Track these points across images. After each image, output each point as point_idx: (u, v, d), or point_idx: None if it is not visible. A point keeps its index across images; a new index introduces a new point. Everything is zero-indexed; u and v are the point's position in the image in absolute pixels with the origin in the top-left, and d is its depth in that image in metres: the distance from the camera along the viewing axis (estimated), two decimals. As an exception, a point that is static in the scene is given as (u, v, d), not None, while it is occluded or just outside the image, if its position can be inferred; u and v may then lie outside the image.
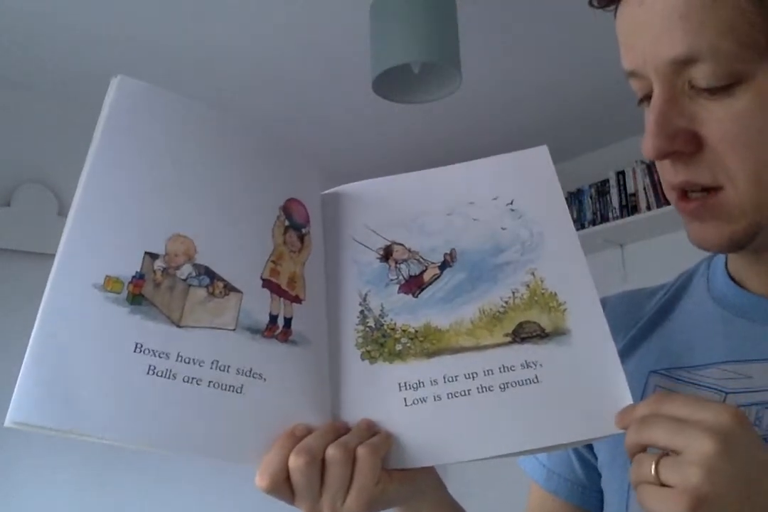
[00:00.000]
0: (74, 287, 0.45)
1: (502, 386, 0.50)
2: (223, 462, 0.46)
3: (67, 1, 2.05)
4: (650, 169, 2.73)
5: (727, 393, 0.52)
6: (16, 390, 0.40)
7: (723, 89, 0.46)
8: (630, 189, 2.80)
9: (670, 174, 0.50)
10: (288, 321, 0.52)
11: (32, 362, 0.42)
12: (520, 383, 0.50)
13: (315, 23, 2.18)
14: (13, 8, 2.07)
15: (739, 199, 0.48)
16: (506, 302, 0.53)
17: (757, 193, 0.47)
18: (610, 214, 2.83)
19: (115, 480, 2.40)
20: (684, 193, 0.50)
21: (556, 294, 0.53)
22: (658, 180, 2.88)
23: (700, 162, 0.48)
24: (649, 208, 2.68)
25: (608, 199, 2.87)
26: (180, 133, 0.53)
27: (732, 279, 0.58)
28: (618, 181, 2.84)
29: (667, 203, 2.61)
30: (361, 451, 0.46)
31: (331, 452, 0.46)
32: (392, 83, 1.86)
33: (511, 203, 0.57)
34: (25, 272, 2.38)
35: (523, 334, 0.52)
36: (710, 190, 0.49)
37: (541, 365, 0.50)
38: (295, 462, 0.45)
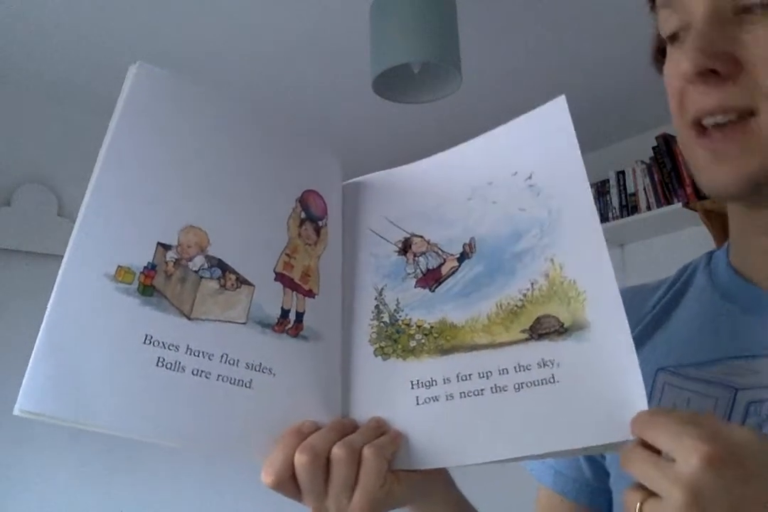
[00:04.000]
0: (85, 277, 0.44)
1: (517, 386, 0.47)
2: (229, 456, 0.46)
3: (67, 2, 2.05)
4: (650, 169, 2.73)
5: (737, 389, 0.51)
6: (25, 378, 0.40)
7: None
8: (630, 189, 2.80)
9: (700, 100, 0.47)
10: (300, 316, 0.51)
11: (42, 351, 0.42)
12: (536, 383, 0.47)
13: (315, 23, 2.18)
14: (14, 8, 2.07)
15: None
16: (524, 295, 0.50)
17: None
18: (610, 214, 2.83)
19: (115, 480, 2.40)
20: (704, 129, 0.48)
21: (575, 282, 0.49)
22: (659, 179, 2.86)
23: (737, 85, 0.46)
24: (649, 208, 2.68)
25: (608, 199, 2.87)
26: (197, 122, 0.52)
27: (735, 272, 0.56)
28: (618, 181, 2.84)
29: (668, 203, 2.61)
30: (367, 452, 0.45)
31: (336, 451, 0.45)
32: (392, 83, 1.86)
33: (530, 178, 0.53)
34: (25, 272, 2.38)
35: (540, 330, 0.49)
36: (739, 119, 0.46)
37: (558, 364, 0.47)
38: (299, 459, 0.44)
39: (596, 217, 0.50)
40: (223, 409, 0.45)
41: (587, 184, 0.51)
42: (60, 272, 0.43)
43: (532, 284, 0.50)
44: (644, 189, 2.74)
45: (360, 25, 1.99)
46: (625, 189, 2.82)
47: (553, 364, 0.47)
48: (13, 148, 2.45)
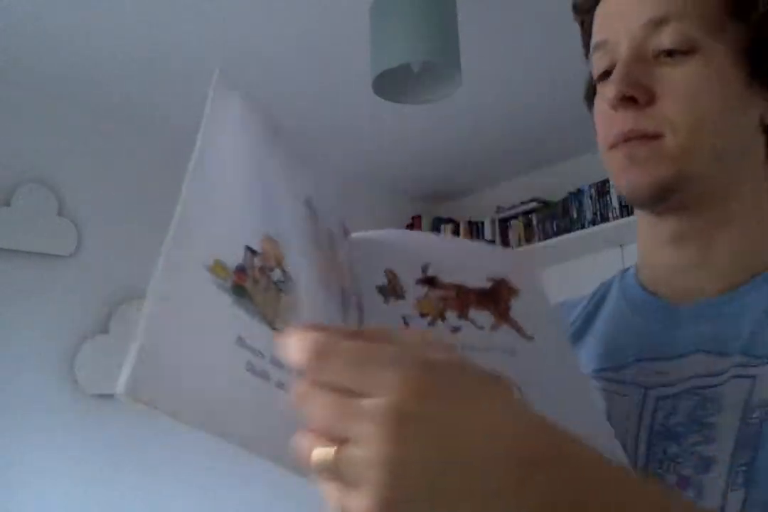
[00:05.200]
0: (189, 265, 0.42)
1: None
2: (296, 475, 0.44)
3: (69, 3, 2.05)
4: (650, 168, 2.73)
5: (647, 388, 0.56)
6: (127, 361, 0.37)
7: (683, 54, 0.55)
8: (630, 189, 2.80)
9: (619, 123, 0.56)
10: None
11: (145, 336, 0.39)
12: None
13: (315, 23, 2.18)
14: (14, 8, 2.07)
15: (676, 145, 0.54)
16: None
17: (693, 142, 0.54)
18: (610, 214, 2.83)
19: (116, 479, 2.40)
20: (624, 141, 0.56)
21: None
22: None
23: (650, 113, 0.55)
24: (649, 208, 2.68)
25: (608, 199, 2.87)
26: (271, 146, 0.52)
27: (642, 286, 0.64)
28: (618, 180, 2.84)
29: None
30: None
31: None
32: (392, 83, 1.86)
33: None
34: (25, 272, 2.38)
35: None
36: (648, 138, 0.55)
37: None
38: None
39: None
40: (296, 426, 0.44)
41: None
42: (163, 255, 0.41)
43: None
44: (644, 189, 2.74)
45: (360, 26, 1.99)
46: (625, 189, 2.82)
47: None
48: (13, 148, 2.46)
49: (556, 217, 3.09)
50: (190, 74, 2.40)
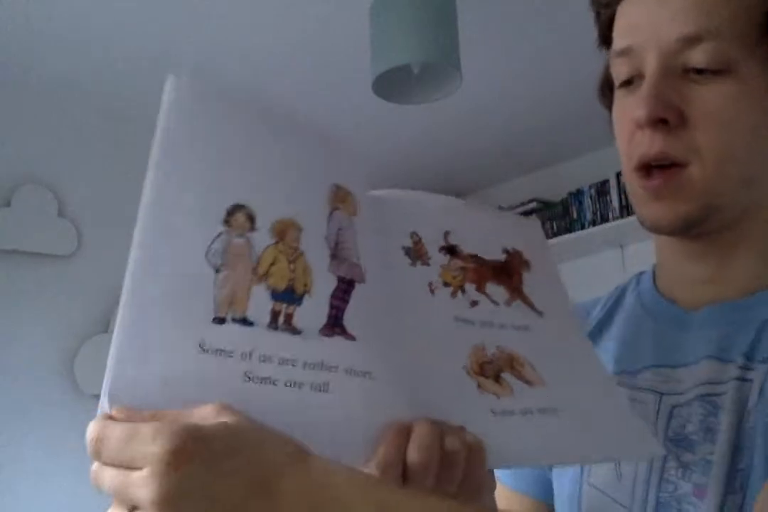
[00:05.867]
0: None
1: None
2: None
3: (68, 3, 2.05)
4: (650, 169, 2.73)
5: (662, 394, 0.56)
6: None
7: (714, 73, 0.52)
8: (630, 189, 2.80)
9: (646, 145, 0.54)
10: None
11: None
12: None
13: (315, 23, 2.18)
14: (13, 9, 2.07)
15: (702, 178, 0.52)
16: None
17: (720, 174, 0.52)
18: (610, 214, 2.83)
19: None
20: (647, 172, 0.55)
21: None
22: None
23: (679, 137, 0.53)
24: (649, 208, 2.68)
25: (608, 199, 2.87)
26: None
27: (660, 293, 0.63)
28: (618, 181, 2.84)
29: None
30: (478, 447, 0.43)
31: (457, 448, 0.43)
32: (392, 84, 1.86)
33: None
34: (25, 272, 2.38)
35: None
36: (674, 168, 0.53)
37: None
38: (421, 459, 0.42)
39: None
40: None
41: None
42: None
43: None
44: (644, 189, 2.74)
45: (360, 26, 1.99)
46: (625, 189, 2.81)
47: None
48: (13, 148, 2.46)
49: (556, 217, 3.09)
50: (190, 74, 2.40)
